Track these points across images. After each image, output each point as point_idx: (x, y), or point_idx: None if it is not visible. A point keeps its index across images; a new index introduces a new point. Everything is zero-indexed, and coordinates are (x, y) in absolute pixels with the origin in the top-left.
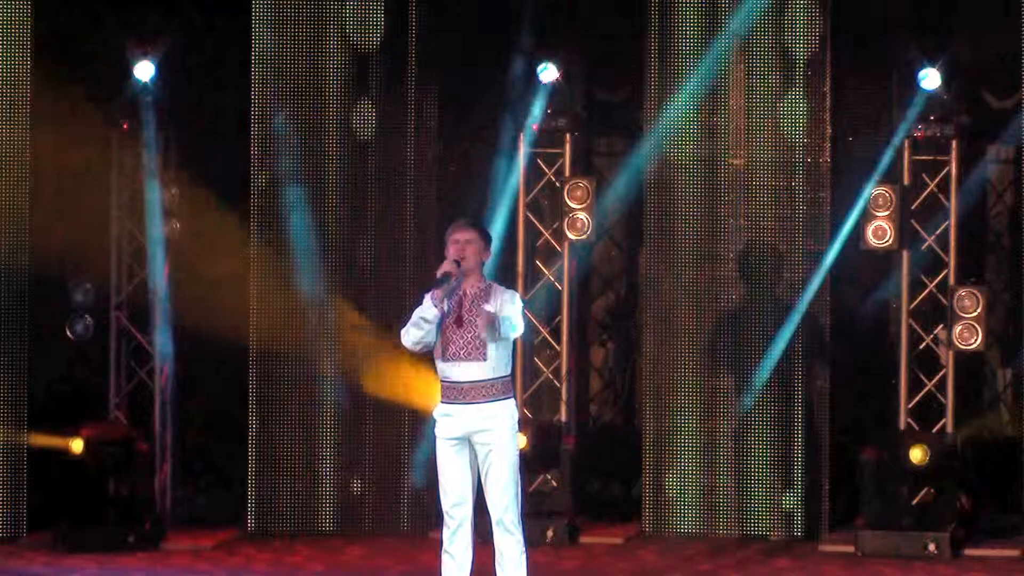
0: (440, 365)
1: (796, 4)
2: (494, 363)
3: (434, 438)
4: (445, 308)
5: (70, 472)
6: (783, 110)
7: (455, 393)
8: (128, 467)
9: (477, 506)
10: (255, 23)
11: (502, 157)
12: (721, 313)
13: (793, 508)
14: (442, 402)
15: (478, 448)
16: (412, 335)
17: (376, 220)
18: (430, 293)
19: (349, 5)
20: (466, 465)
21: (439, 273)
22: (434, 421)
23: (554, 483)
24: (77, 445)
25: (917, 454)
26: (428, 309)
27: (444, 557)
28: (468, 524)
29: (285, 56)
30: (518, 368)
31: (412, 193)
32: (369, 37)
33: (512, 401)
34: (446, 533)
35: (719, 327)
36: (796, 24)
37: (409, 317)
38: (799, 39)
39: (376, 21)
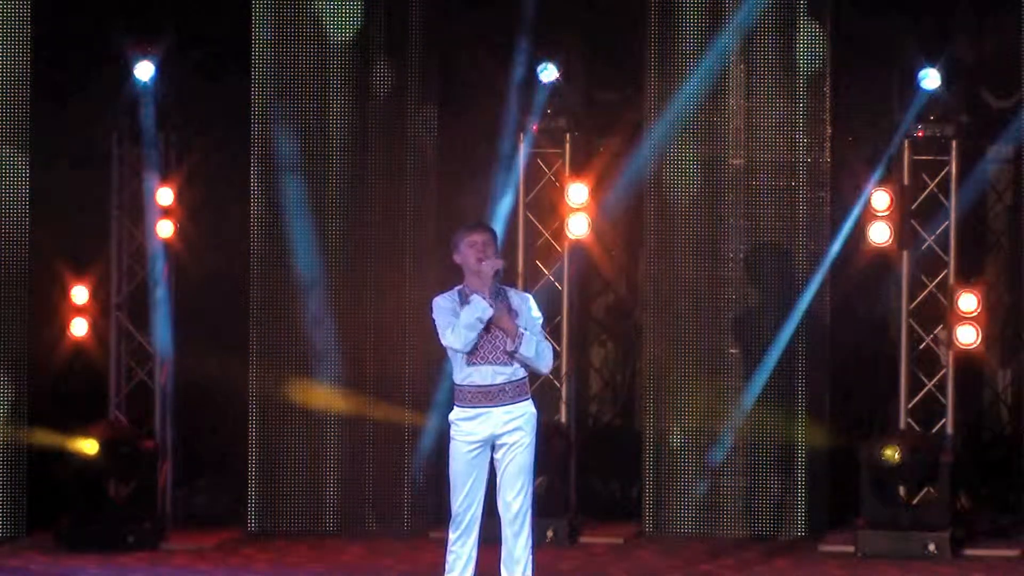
0: (462, 371)
1: (796, 4)
2: (517, 364)
3: (448, 439)
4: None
5: (73, 472)
6: (783, 110)
7: (480, 397)
8: (134, 467)
9: (486, 507)
10: (255, 23)
11: (502, 157)
12: (721, 313)
13: (793, 508)
14: (461, 406)
15: (499, 449)
16: (466, 336)
17: (376, 220)
18: (477, 293)
19: (350, 5)
20: (483, 469)
21: (491, 272)
22: (450, 424)
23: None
24: (91, 446)
25: (889, 452)
26: (484, 309)
27: (450, 556)
28: (477, 525)
29: (285, 56)
30: None
31: (412, 193)
32: (369, 37)
33: (532, 401)
34: (454, 533)
35: (719, 327)
36: (796, 24)
37: (435, 320)
38: (799, 39)
39: (377, 21)
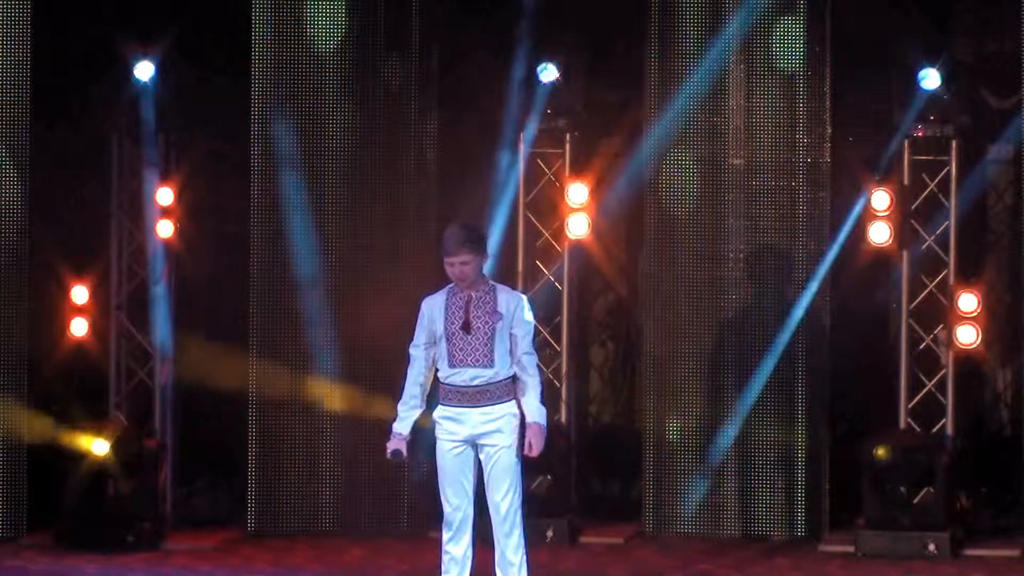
0: (445, 370)
1: (797, 4)
2: (499, 367)
3: (434, 439)
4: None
5: (74, 472)
6: (783, 110)
7: (460, 397)
8: (137, 467)
9: (478, 506)
10: (255, 23)
11: (502, 157)
12: (721, 313)
13: (793, 508)
14: (444, 404)
15: (482, 449)
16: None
17: (376, 220)
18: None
19: (350, 5)
20: (468, 467)
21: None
22: (434, 423)
23: (550, 480)
24: (102, 447)
25: (881, 452)
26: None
27: (444, 557)
28: (469, 524)
29: (285, 56)
30: None
31: (412, 193)
32: (369, 37)
33: (514, 402)
34: (447, 533)
35: (719, 327)
36: (796, 24)
37: (414, 327)
38: (799, 39)
39: (377, 21)
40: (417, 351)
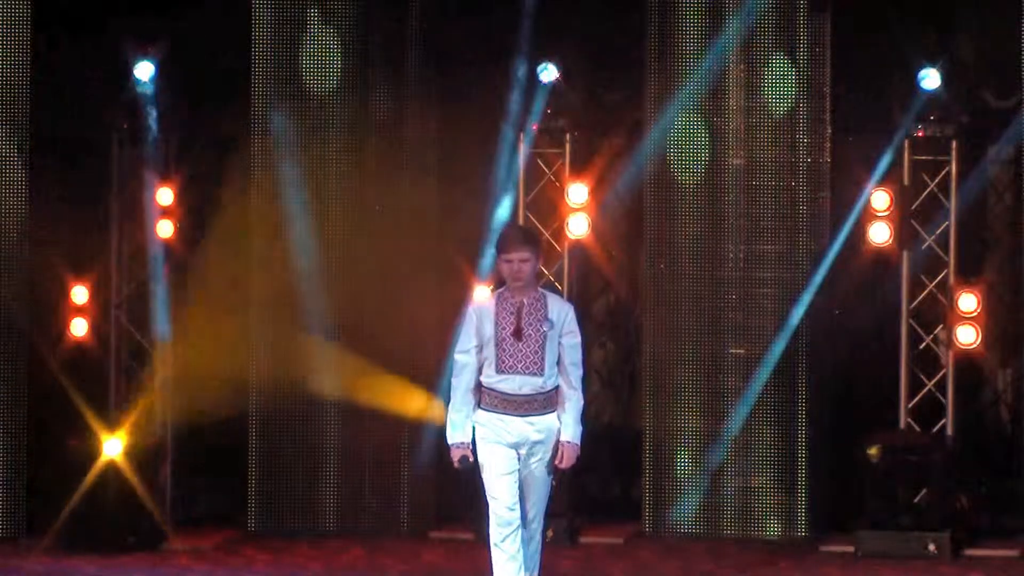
0: (491, 376)
1: (797, 4)
2: (547, 376)
3: (473, 441)
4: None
5: (84, 472)
6: (783, 110)
7: (506, 404)
8: (140, 466)
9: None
10: (255, 23)
11: (502, 157)
12: (721, 313)
13: (793, 508)
14: (486, 409)
15: (523, 455)
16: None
17: (376, 220)
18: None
19: (349, 4)
20: (516, 469)
21: (456, 463)
22: (474, 427)
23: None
24: (114, 447)
25: (873, 452)
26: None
27: (502, 557)
28: (519, 522)
29: (285, 55)
30: None
31: (412, 192)
32: (369, 37)
33: (556, 414)
34: (499, 535)
35: (719, 327)
36: (797, 24)
37: (458, 335)
38: (800, 39)
39: (376, 21)
40: (467, 357)
